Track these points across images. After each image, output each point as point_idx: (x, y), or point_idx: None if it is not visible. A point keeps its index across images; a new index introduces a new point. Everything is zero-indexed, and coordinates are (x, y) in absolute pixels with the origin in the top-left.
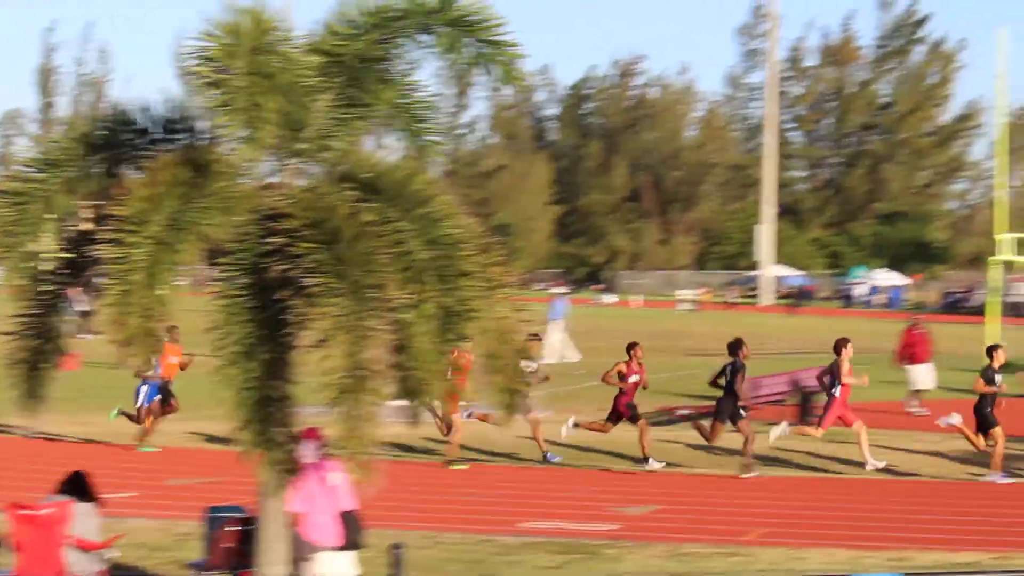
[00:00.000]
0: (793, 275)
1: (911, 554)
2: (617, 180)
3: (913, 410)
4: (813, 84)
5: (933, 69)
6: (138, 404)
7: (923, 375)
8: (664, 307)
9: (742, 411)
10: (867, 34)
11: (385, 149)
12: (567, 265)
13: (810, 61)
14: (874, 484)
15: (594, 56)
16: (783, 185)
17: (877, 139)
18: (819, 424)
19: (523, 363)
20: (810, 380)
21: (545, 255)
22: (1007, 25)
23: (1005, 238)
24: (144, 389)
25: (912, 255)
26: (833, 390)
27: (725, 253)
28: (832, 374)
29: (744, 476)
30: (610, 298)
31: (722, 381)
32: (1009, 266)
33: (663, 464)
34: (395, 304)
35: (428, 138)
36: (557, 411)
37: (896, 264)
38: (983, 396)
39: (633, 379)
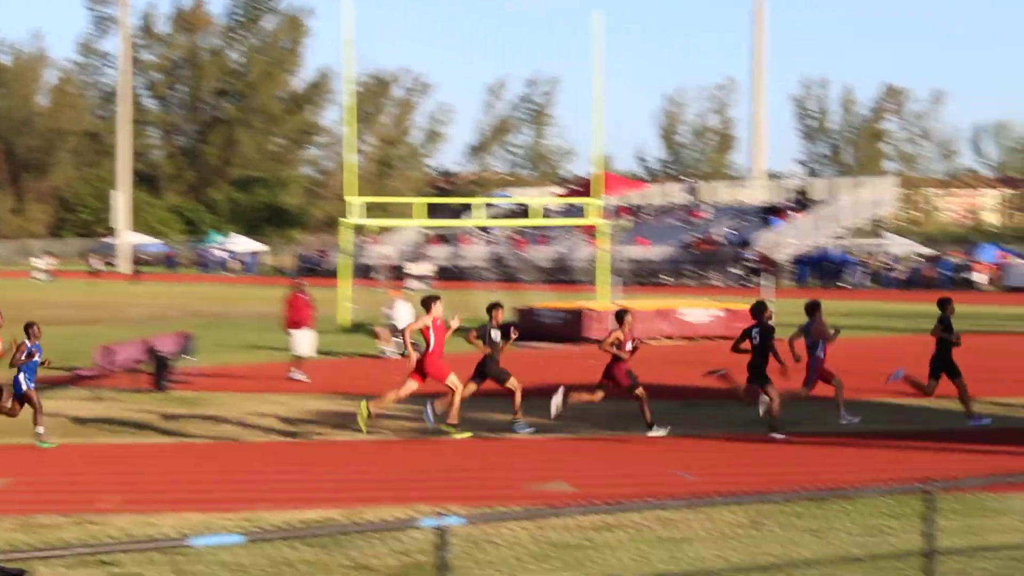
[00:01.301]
0: (151, 242)
1: (262, 514)
2: None
3: (295, 376)
4: (167, 51)
5: (284, 37)
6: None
7: (303, 341)
8: (19, 277)
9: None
10: (219, 1)
11: None
12: None
13: (163, 28)
14: (230, 447)
15: None
16: (139, 152)
17: (231, 106)
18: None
19: None
20: (165, 345)
21: None
22: None
23: (355, 202)
24: None
25: (267, 220)
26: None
27: (81, 221)
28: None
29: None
30: None
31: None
32: (360, 229)
33: (667, 429)
34: None
35: None
36: None
37: (252, 230)
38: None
39: (629, 346)
